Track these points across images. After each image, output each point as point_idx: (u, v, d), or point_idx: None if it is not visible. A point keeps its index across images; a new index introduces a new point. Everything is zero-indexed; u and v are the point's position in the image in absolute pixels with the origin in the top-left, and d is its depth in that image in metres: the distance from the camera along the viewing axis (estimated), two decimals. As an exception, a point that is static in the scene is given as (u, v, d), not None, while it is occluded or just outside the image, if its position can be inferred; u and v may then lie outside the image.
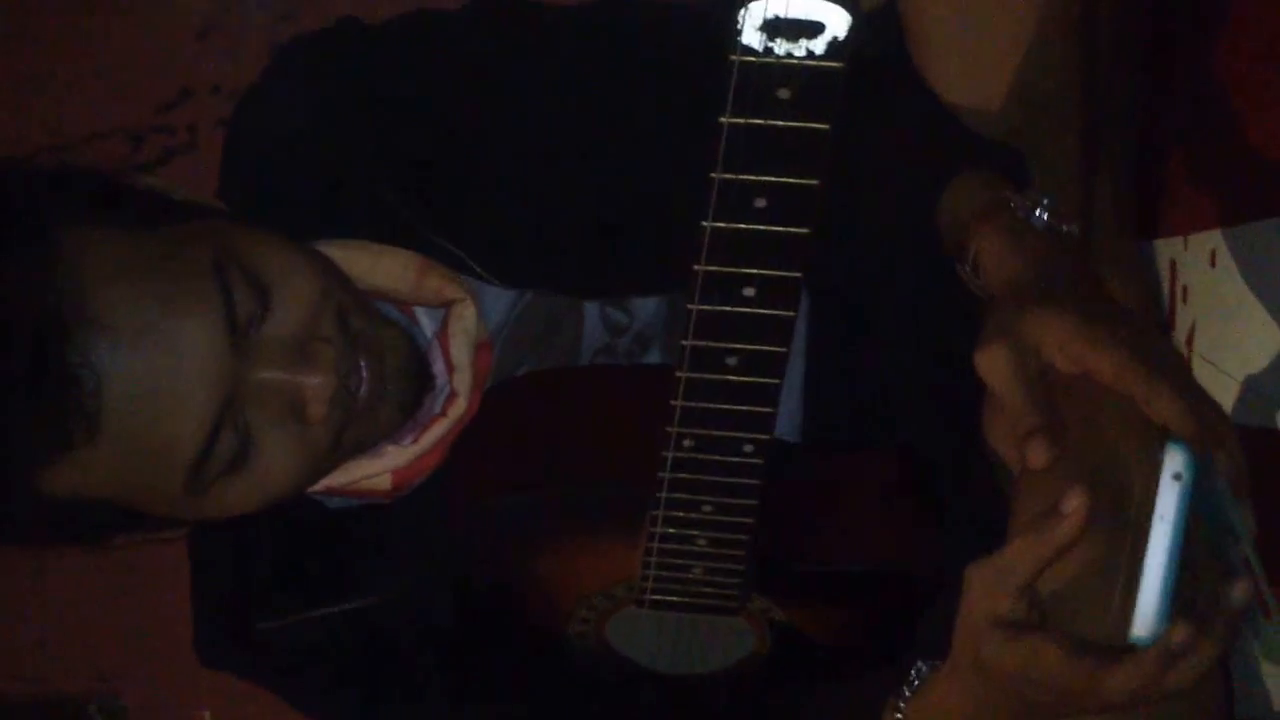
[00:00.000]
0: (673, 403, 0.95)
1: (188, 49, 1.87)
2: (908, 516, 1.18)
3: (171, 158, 1.87)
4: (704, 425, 0.97)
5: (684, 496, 1.02)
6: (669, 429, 0.97)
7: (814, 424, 1.22)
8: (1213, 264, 1.15)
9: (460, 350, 1.14)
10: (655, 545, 1.07)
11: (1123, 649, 0.83)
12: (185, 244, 1.01)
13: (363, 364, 1.07)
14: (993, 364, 0.89)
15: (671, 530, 1.05)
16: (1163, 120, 1.21)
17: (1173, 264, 1.19)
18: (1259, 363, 1.11)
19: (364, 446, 1.12)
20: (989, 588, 0.88)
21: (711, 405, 0.95)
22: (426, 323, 1.17)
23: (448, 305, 1.15)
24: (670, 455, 0.99)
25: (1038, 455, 0.86)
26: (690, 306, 0.89)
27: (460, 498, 1.14)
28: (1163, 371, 0.84)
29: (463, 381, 1.14)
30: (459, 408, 1.14)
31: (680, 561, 1.08)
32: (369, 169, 1.13)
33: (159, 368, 0.98)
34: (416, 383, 1.12)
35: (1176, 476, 0.80)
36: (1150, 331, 0.91)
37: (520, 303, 1.19)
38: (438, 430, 1.14)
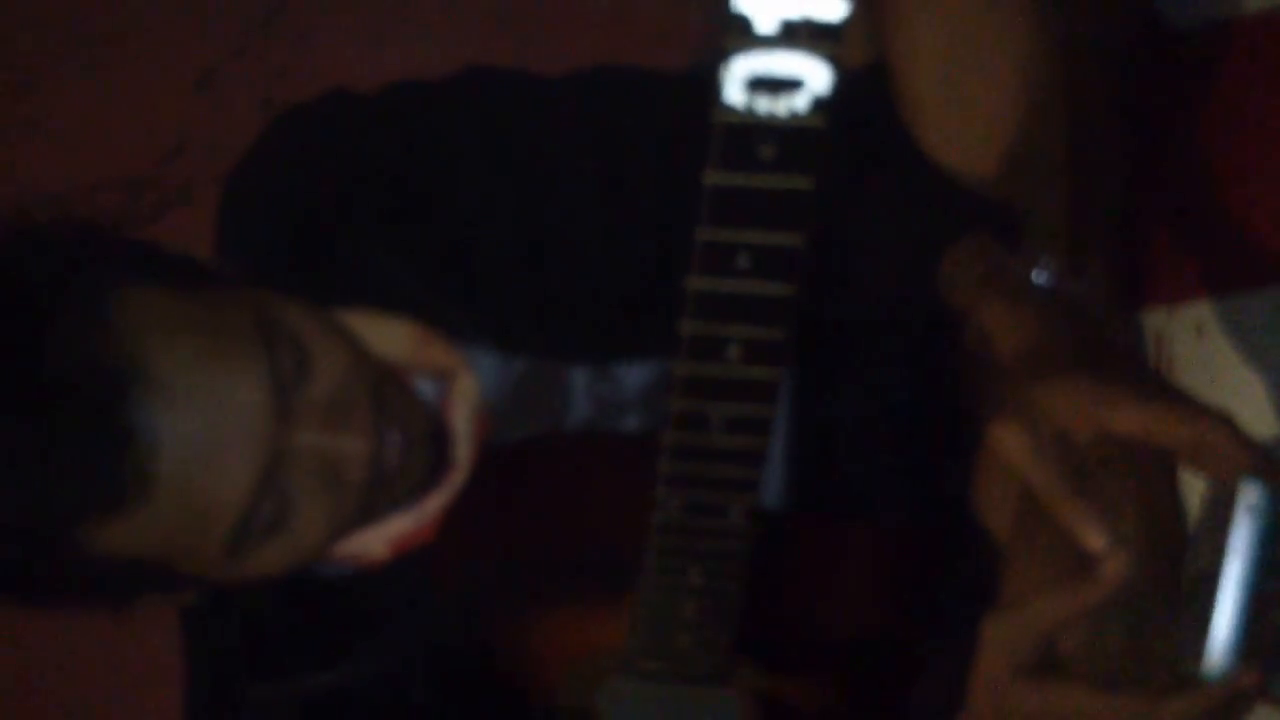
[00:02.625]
0: (659, 466, 0.96)
1: (182, 105, 1.90)
2: (895, 584, 1.18)
3: (167, 212, 1.89)
4: (691, 489, 0.97)
5: (671, 562, 1.02)
6: (656, 492, 0.98)
7: (797, 491, 1.22)
8: (1200, 335, 1.15)
9: (461, 420, 1.15)
10: (642, 612, 1.07)
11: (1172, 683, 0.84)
12: (228, 306, 1.03)
13: (393, 431, 1.08)
14: (1006, 444, 0.90)
15: (658, 597, 1.05)
16: (1148, 190, 1.22)
17: (1159, 335, 1.19)
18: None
19: (385, 512, 1.13)
20: (1009, 639, 0.89)
21: (698, 468, 0.95)
22: (429, 387, 1.17)
23: (447, 375, 1.16)
24: (657, 519, 0.99)
25: (1096, 543, 0.87)
26: (675, 367, 0.89)
27: (449, 565, 1.14)
28: (1196, 414, 0.85)
29: (463, 452, 1.15)
30: (460, 478, 1.15)
31: (667, 629, 1.08)
32: (361, 236, 1.15)
33: (210, 427, 0.99)
34: (435, 452, 1.14)
35: (1250, 509, 0.81)
36: (1162, 380, 0.93)
37: (506, 372, 1.20)
38: (438, 500, 1.15)
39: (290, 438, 1.02)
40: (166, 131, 1.91)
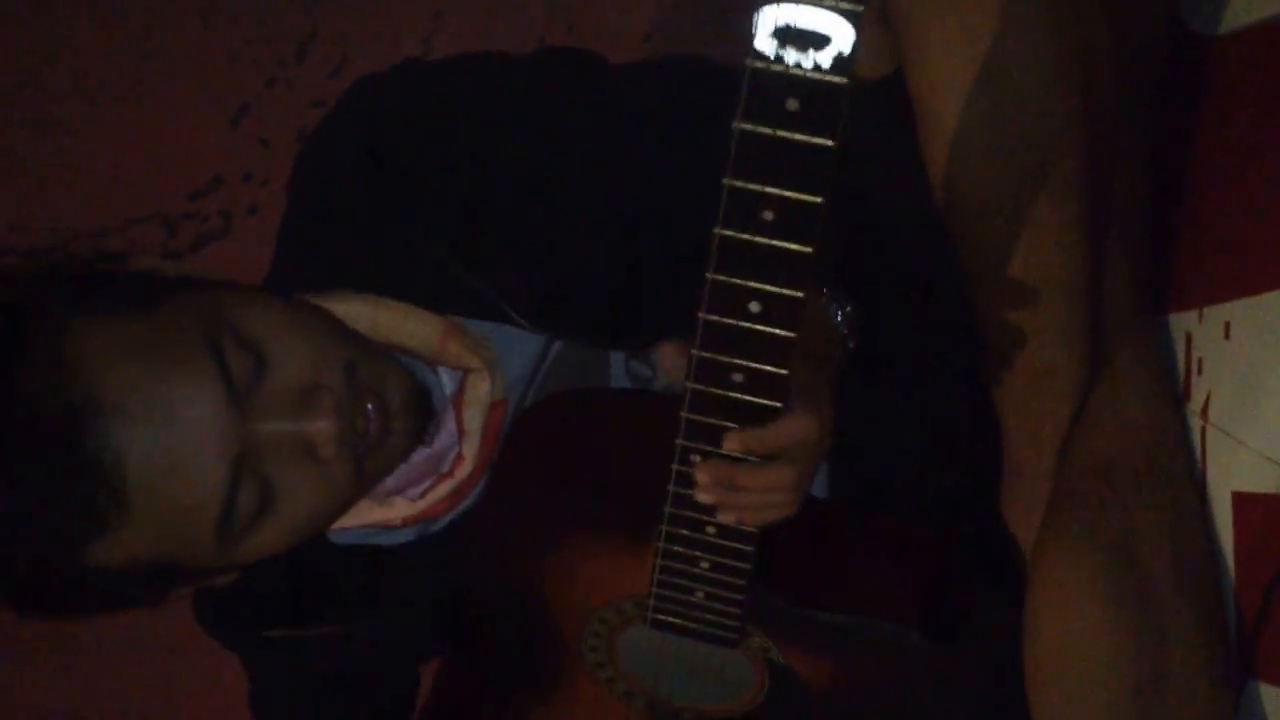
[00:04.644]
0: (680, 414, 0.98)
1: (220, 138, 1.92)
2: (916, 576, 1.19)
3: (206, 243, 1.93)
4: (708, 442, 0.99)
5: (689, 514, 1.05)
6: (676, 441, 1.00)
7: (840, 482, 1.24)
8: (1227, 336, 1.16)
9: (472, 417, 1.21)
10: (661, 563, 1.10)
11: None
12: (176, 319, 1.07)
13: (369, 406, 1.12)
14: None
15: (677, 548, 1.08)
16: (1175, 194, 1.23)
17: (1188, 336, 1.20)
18: (1275, 430, 1.13)
19: (384, 472, 1.18)
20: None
21: (714, 421, 0.98)
22: (448, 381, 1.22)
23: (466, 372, 1.20)
24: (675, 469, 1.02)
25: None
26: (699, 315, 0.92)
27: (482, 509, 1.18)
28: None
29: (470, 447, 1.21)
30: (465, 470, 1.21)
31: (684, 582, 1.11)
32: (413, 210, 1.18)
33: (169, 438, 1.04)
34: (420, 414, 1.18)
35: None
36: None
37: (550, 352, 1.23)
38: (444, 489, 1.21)
39: (255, 430, 1.07)
40: (203, 165, 1.94)
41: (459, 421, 1.20)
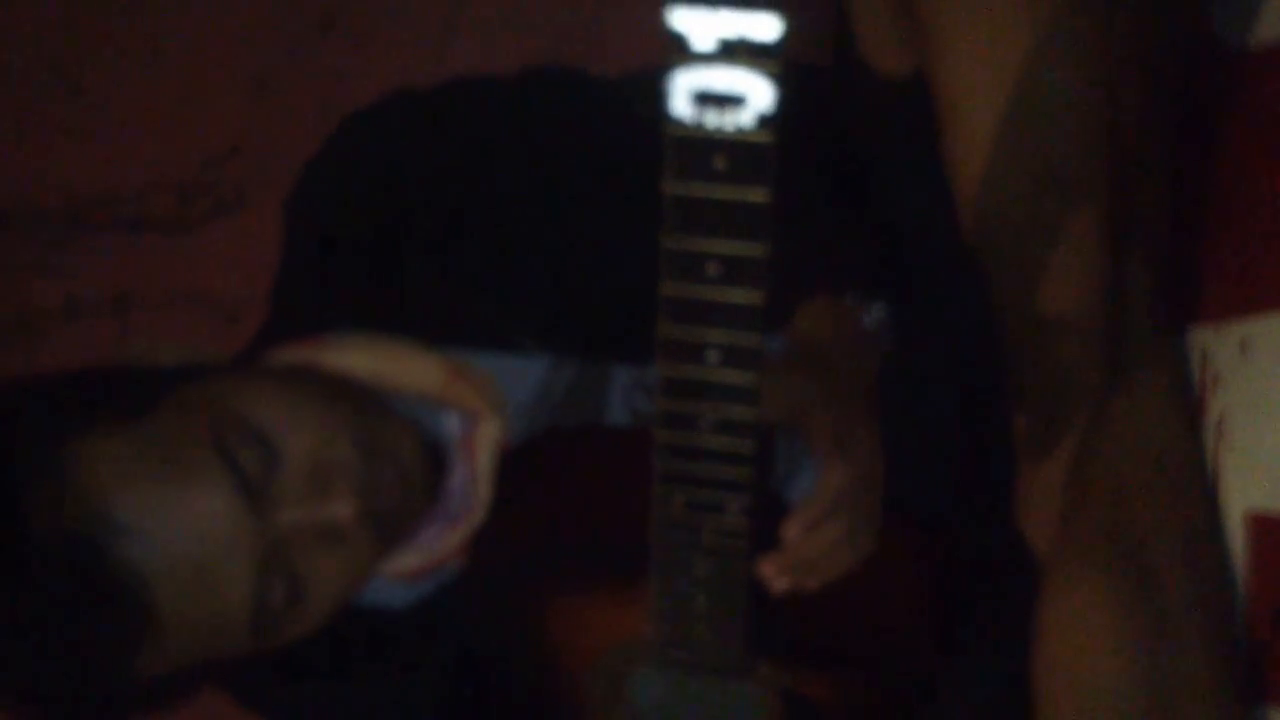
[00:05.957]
0: (655, 463, 0.98)
1: (238, 107, 1.90)
2: (927, 591, 1.18)
3: (219, 215, 1.90)
4: (685, 486, 0.99)
5: (676, 555, 1.05)
6: (655, 487, 1.00)
7: None
8: (1243, 352, 1.13)
9: (484, 461, 1.20)
10: (658, 603, 1.10)
11: None
12: (181, 422, 1.06)
13: (388, 472, 1.12)
14: None
15: (670, 588, 1.08)
16: (1193, 206, 1.20)
17: (1204, 352, 1.17)
18: (1289, 451, 1.10)
19: (404, 532, 1.18)
20: None
21: (689, 467, 0.97)
22: (455, 421, 1.22)
23: (473, 415, 1.20)
24: (658, 514, 1.02)
25: None
26: (658, 369, 0.92)
27: (477, 560, 1.19)
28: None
29: (483, 491, 1.20)
30: (477, 517, 1.20)
31: (684, 620, 1.11)
32: (420, 236, 1.18)
33: (190, 552, 1.03)
34: (432, 469, 1.18)
35: None
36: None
37: (551, 380, 1.23)
38: (457, 536, 1.21)
39: (276, 525, 1.07)
40: (221, 134, 1.91)
41: (472, 463, 1.20)
